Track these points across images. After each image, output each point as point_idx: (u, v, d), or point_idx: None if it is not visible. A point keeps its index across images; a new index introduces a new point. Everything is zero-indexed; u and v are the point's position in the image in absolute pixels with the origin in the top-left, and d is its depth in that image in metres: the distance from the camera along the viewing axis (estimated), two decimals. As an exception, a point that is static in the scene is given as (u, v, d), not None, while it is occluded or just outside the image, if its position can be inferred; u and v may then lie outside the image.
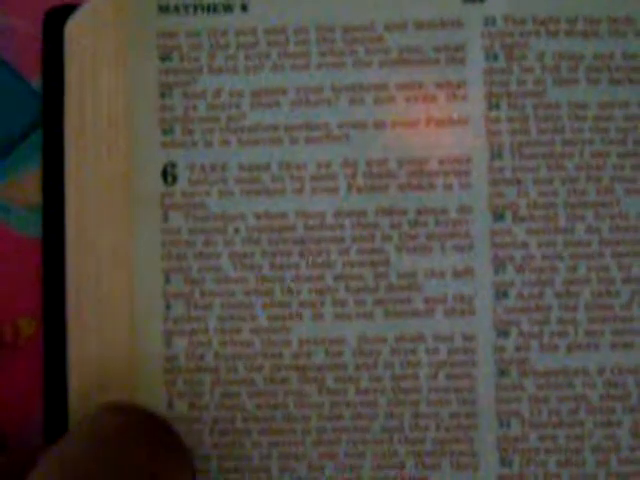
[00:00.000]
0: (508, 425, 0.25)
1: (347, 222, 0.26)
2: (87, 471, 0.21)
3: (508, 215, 0.26)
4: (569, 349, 0.25)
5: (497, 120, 0.26)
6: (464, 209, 0.26)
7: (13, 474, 0.24)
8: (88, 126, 0.26)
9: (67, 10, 0.27)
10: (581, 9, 0.26)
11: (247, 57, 0.26)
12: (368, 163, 0.26)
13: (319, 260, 0.26)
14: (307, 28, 0.26)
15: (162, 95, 0.26)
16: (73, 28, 0.27)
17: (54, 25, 0.27)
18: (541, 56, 0.26)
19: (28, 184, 0.27)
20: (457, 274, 0.26)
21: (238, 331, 0.26)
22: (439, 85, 0.26)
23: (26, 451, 0.26)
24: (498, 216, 0.26)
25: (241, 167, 0.26)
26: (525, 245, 0.26)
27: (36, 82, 0.27)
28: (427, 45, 0.26)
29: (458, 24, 0.26)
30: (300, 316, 0.26)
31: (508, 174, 0.26)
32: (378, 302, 0.26)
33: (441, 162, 0.26)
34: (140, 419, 0.24)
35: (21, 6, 0.28)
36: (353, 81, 0.26)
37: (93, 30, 0.26)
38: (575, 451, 0.25)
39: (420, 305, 0.26)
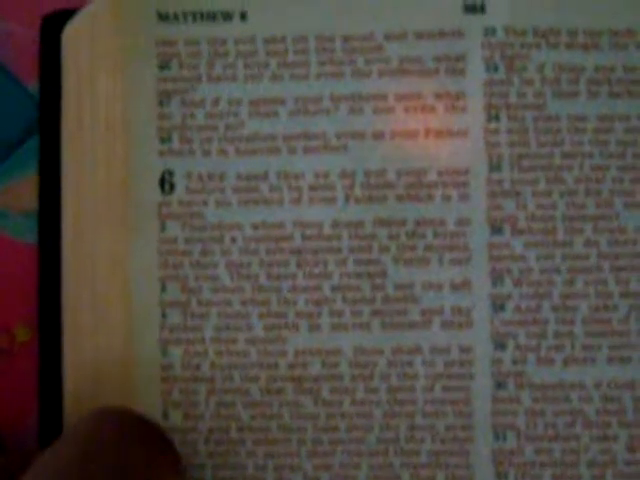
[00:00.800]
0: (504, 438, 0.25)
1: (344, 233, 0.26)
2: (81, 474, 0.21)
3: (506, 228, 0.26)
4: (566, 363, 0.25)
5: (496, 132, 0.26)
6: (462, 221, 0.26)
7: (7, 476, 0.24)
8: (85, 132, 0.26)
9: (65, 15, 0.27)
10: (582, 21, 0.26)
11: (246, 66, 0.26)
12: (366, 174, 0.26)
13: (316, 271, 0.26)
14: (306, 37, 0.26)
15: (160, 103, 0.26)
16: (71, 33, 0.26)
17: (52, 30, 0.27)
18: (541, 68, 0.26)
19: (24, 190, 0.27)
20: (454, 286, 0.26)
21: (234, 341, 0.26)
22: (438, 96, 0.26)
23: (21, 454, 0.26)
24: (496, 229, 0.26)
25: (239, 176, 0.26)
26: (523, 258, 0.25)
27: (33, 87, 0.27)
28: (427, 55, 0.26)
29: (458, 34, 0.26)
30: (296, 327, 0.26)
31: (507, 186, 0.26)
32: (375, 313, 0.26)
33: (440, 174, 0.26)
34: (134, 424, 0.24)
35: (19, 11, 0.27)
36: (352, 91, 0.26)
37: (91, 36, 0.26)
38: (571, 465, 0.25)
39: (417, 317, 0.26)
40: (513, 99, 0.26)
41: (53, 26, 0.27)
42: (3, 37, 0.27)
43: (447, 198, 0.26)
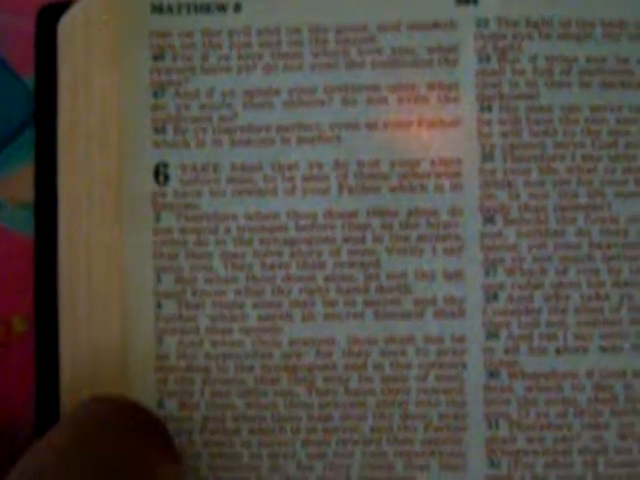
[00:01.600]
0: (496, 426, 0.26)
1: (338, 223, 0.26)
2: (76, 459, 0.21)
3: (499, 217, 0.26)
4: (558, 352, 0.26)
5: (489, 122, 0.26)
6: (455, 211, 0.26)
7: (3, 466, 0.24)
8: (81, 124, 0.26)
9: (60, 8, 0.27)
10: (574, 12, 0.26)
11: (240, 57, 0.26)
12: (359, 164, 0.26)
13: (310, 260, 0.26)
14: (300, 28, 0.26)
15: (154, 94, 0.26)
16: (66, 26, 0.26)
17: (47, 23, 0.27)
18: (534, 59, 0.26)
19: (20, 181, 0.27)
20: (447, 276, 0.26)
21: (229, 331, 0.26)
22: (431, 86, 0.26)
23: (18, 444, 0.26)
24: (489, 218, 0.26)
25: (233, 167, 0.26)
26: (515, 248, 0.26)
27: (29, 79, 0.27)
28: (420, 46, 0.26)
29: (451, 25, 0.26)
30: (290, 316, 0.26)
31: (499, 176, 0.26)
32: (368, 303, 0.26)
33: (432, 164, 0.26)
34: (129, 410, 0.24)
35: (14, 3, 0.27)
36: (345, 82, 0.26)
37: (86, 28, 0.26)
38: (563, 453, 0.26)
39: (410, 307, 0.26)
40: (505, 89, 0.26)
41: (49, 18, 0.27)
42: (-1, 29, 0.28)
43: (440, 188, 0.26)
